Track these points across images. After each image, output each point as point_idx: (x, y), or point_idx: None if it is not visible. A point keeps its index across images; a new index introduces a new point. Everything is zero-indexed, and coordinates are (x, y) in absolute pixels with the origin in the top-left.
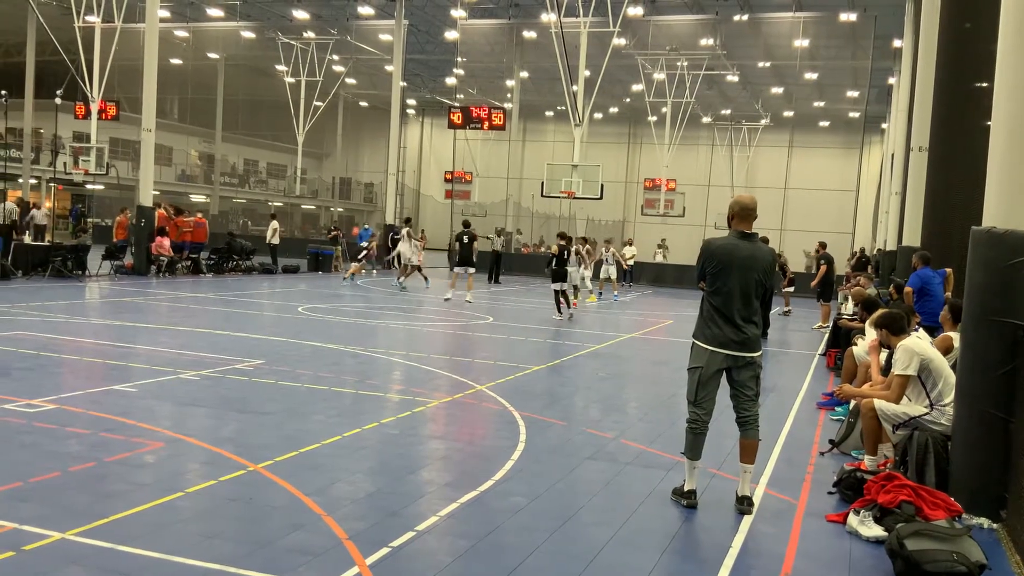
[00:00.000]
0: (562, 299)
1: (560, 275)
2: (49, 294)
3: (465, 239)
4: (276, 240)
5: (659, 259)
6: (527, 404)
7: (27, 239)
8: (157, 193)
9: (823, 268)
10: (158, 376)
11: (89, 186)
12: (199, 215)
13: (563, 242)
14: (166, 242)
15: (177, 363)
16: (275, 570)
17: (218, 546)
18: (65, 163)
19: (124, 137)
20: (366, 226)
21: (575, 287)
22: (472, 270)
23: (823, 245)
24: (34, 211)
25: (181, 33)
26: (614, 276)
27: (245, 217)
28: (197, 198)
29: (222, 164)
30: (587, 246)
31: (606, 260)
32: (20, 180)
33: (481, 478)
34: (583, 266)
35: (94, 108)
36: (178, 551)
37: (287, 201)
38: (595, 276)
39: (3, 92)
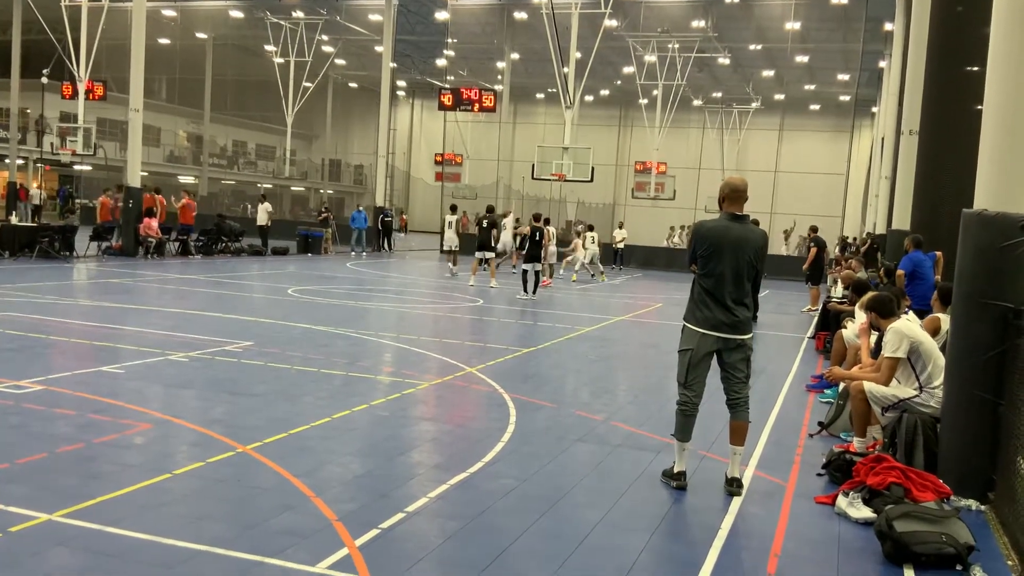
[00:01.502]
0: (530, 279)
1: (533, 256)
2: (37, 275)
3: (484, 223)
4: (267, 222)
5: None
6: (517, 386)
7: (14, 220)
8: (145, 174)
9: (813, 251)
10: (146, 358)
11: (77, 167)
12: (187, 196)
13: (537, 224)
14: (154, 223)
15: (166, 345)
16: (264, 552)
17: (206, 527)
18: (52, 143)
19: (112, 117)
20: (359, 207)
21: (550, 266)
22: (491, 255)
23: (814, 229)
24: (31, 191)
25: (169, 12)
26: (585, 261)
27: (233, 199)
28: (185, 179)
29: (211, 145)
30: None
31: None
32: (7, 160)
33: (471, 460)
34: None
35: (81, 88)
36: (166, 532)
37: (276, 183)
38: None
39: None
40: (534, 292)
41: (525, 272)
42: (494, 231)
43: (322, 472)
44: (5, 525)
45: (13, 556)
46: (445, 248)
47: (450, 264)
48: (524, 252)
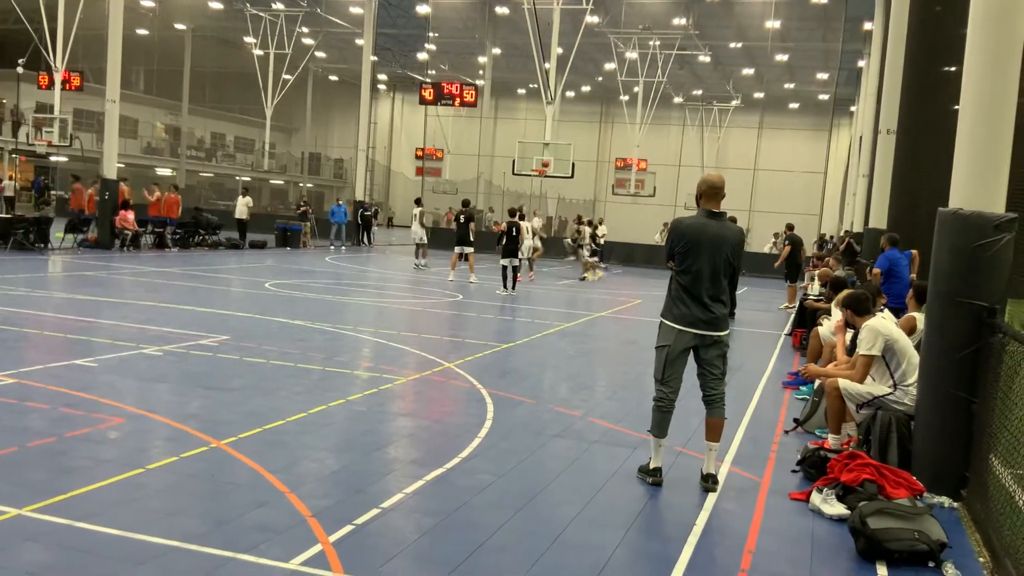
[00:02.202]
0: (509, 275)
1: (510, 251)
2: (10, 267)
3: (462, 218)
4: (246, 216)
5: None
6: (495, 382)
7: None
8: (122, 166)
9: (787, 248)
10: (120, 351)
11: (52, 158)
12: (174, 191)
13: (513, 219)
14: (130, 216)
15: (140, 338)
16: (237, 547)
17: (180, 523)
18: (28, 134)
19: (88, 108)
20: (339, 201)
21: (529, 260)
22: (469, 250)
23: (790, 227)
24: (3, 182)
25: (147, 3)
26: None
27: (212, 192)
28: (163, 171)
29: (188, 137)
30: (580, 225)
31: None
32: None
33: (448, 455)
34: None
35: (57, 78)
36: (139, 528)
37: (255, 176)
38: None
39: None
40: (513, 288)
41: (504, 268)
42: (471, 225)
43: (297, 468)
44: None
45: None
46: (414, 241)
47: (416, 259)
48: (501, 247)
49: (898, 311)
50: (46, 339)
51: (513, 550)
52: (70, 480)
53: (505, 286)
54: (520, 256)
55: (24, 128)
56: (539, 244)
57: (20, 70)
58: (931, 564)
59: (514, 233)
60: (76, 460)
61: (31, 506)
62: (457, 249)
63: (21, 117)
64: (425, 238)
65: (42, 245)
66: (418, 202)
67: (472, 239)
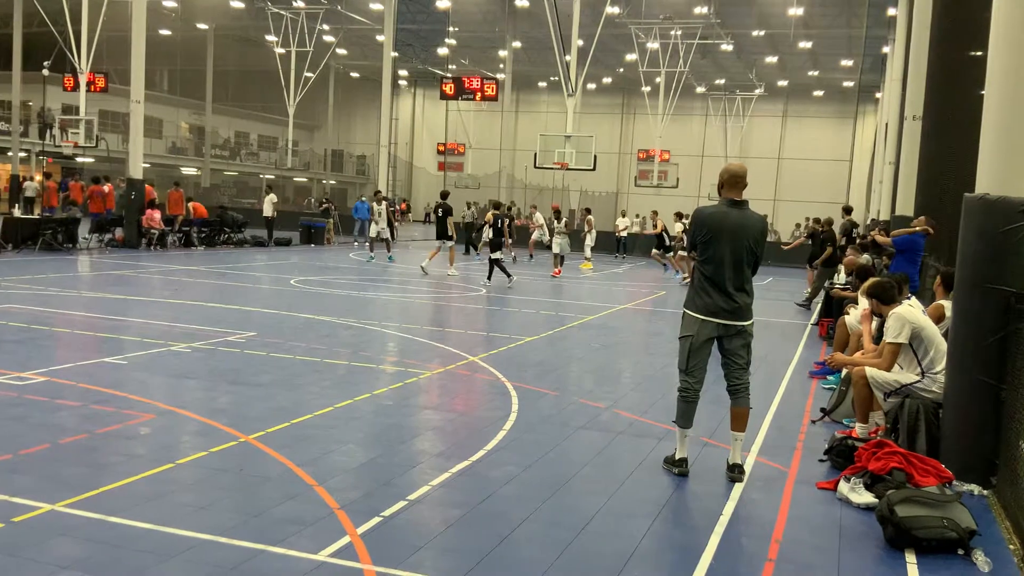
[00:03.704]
0: (496, 267)
1: (496, 244)
2: (39, 267)
3: (440, 212)
4: (273, 213)
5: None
6: (520, 375)
7: (17, 212)
8: (147, 166)
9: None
10: (149, 348)
11: (79, 159)
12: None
13: (496, 211)
14: (157, 215)
15: (169, 335)
16: (267, 540)
17: (210, 516)
18: (54, 136)
19: (113, 109)
20: (362, 198)
21: (558, 256)
22: (450, 243)
23: (829, 221)
24: (26, 183)
25: (170, 3)
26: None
27: (236, 190)
28: (188, 170)
29: (213, 136)
30: (589, 216)
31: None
32: (9, 153)
33: (474, 448)
34: (586, 234)
35: (83, 80)
36: (169, 521)
37: (279, 173)
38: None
39: None
40: (489, 279)
41: (491, 261)
42: (449, 219)
43: (325, 461)
44: (8, 515)
45: (16, 546)
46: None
47: (370, 251)
48: (489, 241)
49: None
50: (76, 337)
51: (539, 541)
52: (102, 475)
53: (489, 278)
54: (557, 250)
55: (51, 130)
56: (542, 236)
57: (46, 72)
58: (960, 552)
59: (500, 226)
60: (107, 456)
61: (64, 501)
62: (437, 243)
63: (48, 119)
64: (385, 233)
65: (70, 245)
66: (443, 196)
67: (451, 233)
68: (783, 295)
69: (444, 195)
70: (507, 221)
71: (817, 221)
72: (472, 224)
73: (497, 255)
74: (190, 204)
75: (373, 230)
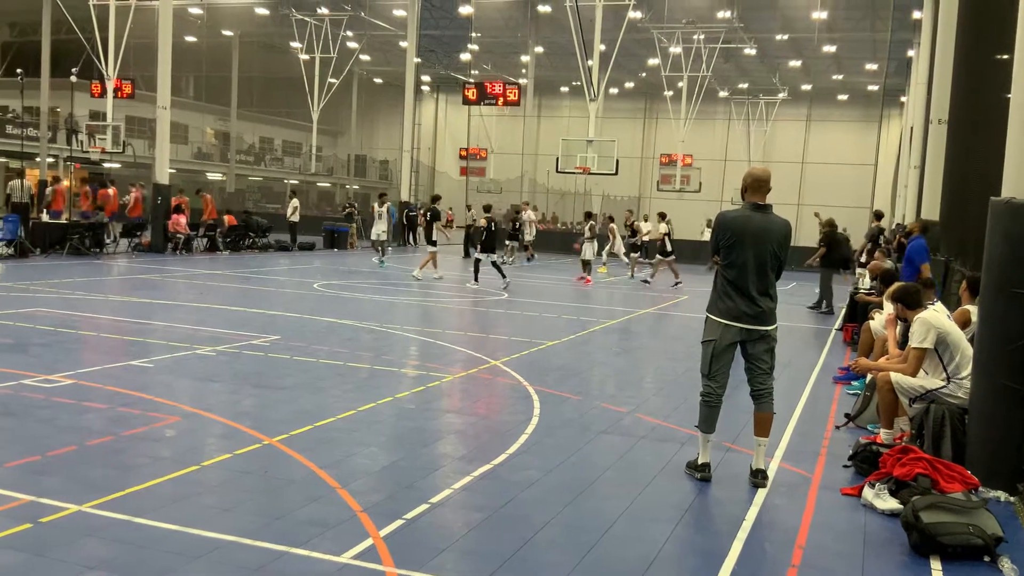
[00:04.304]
0: (483, 268)
1: (489, 247)
2: (67, 271)
3: (428, 216)
4: (296, 218)
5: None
6: (542, 379)
7: (45, 217)
8: (173, 171)
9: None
10: (175, 352)
11: (106, 164)
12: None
13: (489, 214)
14: (183, 220)
15: (194, 339)
16: (290, 542)
17: (234, 518)
18: (82, 141)
19: (140, 115)
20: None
21: (586, 262)
22: (433, 249)
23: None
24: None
25: (195, 10)
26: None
27: (261, 195)
28: (213, 176)
29: (238, 142)
30: (612, 224)
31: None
32: (37, 159)
33: (496, 451)
34: (611, 242)
35: (109, 86)
36: (194, 523)
37: (302, 179)
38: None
39: (20, 71)
40: (475, 280)
41: (495, 263)
42: (436, 224)
43: (348, 464)
44: (36, 515)
45: (44, 545)
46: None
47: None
48: (480, 243)
49: None
50: (103, 341)
51: (561, 544)
52: (128, 477)
53: (476, 279)
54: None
55: (78, 136)
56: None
57: (73, 79)
58: (986, 559)
59: (492, 229)
60: (133, 458)
61: (91, 502)
62: (430, 248)
63: (75, 125)
64: (384, 235)
65: (97, 249)
66: (433, 200)
67: (434, 238)
68: (806, 300)
69: (434, 199)
70: (519, 223)
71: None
72: (469, 227)
73: (494, 256)
74: (224, 217)
75: (374, 232)
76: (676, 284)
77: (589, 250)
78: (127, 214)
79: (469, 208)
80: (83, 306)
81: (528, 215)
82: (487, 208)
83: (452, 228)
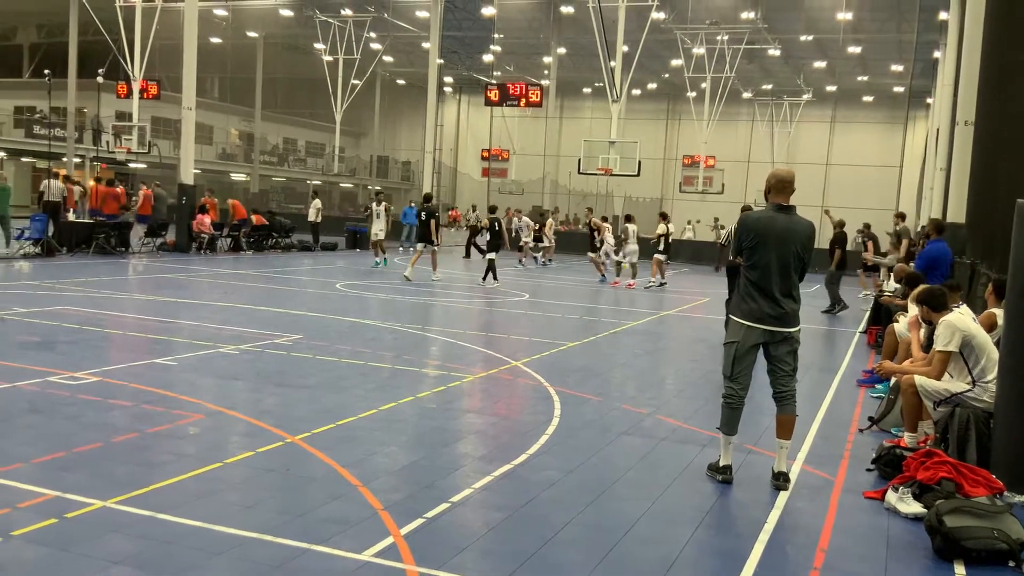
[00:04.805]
0: (490, 268)
1: (495, 247)
2: (93, 270)
3: (423, 215)
4: (318, 218)
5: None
6: (563, 380)
7: (71, 216)
8: (198, 172)
9: (869, 244)
10: (199, 350)
11: (132, 164)
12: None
13: (494, 215)
14: (207, 220)
15: (218, 338)
16: (312, 539)
17: (256, 515)
18: (108, 142)
19: (165, 116)
20: (411, 203)
21: (619, 264)
22: (432, 248)
23: (841, 223)
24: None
25: (220, 12)
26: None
27: (284, 195)
28: (237, 176)
29: (262, 143)
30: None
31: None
32: (64, 159)
33: (516, 452)
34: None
35: (135, 87)
36: (217, 519)
37: (325, 179)
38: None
39: (47, 72)
40: (484, 280)
41: (491, 262)
42: (432, 222)
43: (369, 462)
44: (61, 511)
45: (69, 541)
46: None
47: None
48: (487, 243)
49: None
50: (128, 339)
51: (581, 544)
52: (152, 474)
53: (495, 278)
54: (611, 258)
55: (105, 136)
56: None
57: (100, 80)
58: (1011, 564)
59: (496, 229)
60: (158, 455)
61: (115, 498)
62: (419, 246)
63: (101, 126)
64: (382, 235)
65: (123, 249)
66: (427, 199)
67: (433, 238)
68: (822, 304)
69: (427, 198)
70: (516, 229)
71: (842, 224)
72: (475, 227)
73: (491, 256)
74: (252, 217)
75: (372, 232)
76: (658, 285)
77: (623, 253)
78: (136, 212)
79: (473, 208)
80: (108, 304)
81: (526, 220)
82: (492, 209)
83: (458, 227)
